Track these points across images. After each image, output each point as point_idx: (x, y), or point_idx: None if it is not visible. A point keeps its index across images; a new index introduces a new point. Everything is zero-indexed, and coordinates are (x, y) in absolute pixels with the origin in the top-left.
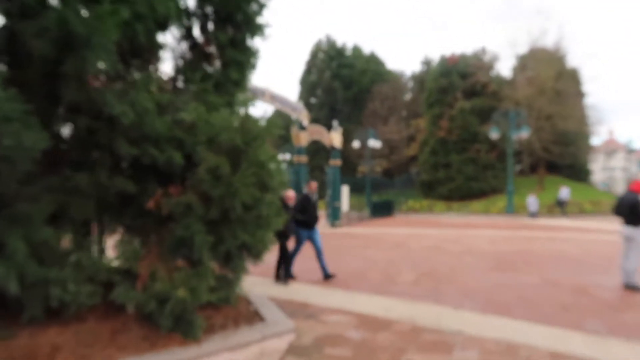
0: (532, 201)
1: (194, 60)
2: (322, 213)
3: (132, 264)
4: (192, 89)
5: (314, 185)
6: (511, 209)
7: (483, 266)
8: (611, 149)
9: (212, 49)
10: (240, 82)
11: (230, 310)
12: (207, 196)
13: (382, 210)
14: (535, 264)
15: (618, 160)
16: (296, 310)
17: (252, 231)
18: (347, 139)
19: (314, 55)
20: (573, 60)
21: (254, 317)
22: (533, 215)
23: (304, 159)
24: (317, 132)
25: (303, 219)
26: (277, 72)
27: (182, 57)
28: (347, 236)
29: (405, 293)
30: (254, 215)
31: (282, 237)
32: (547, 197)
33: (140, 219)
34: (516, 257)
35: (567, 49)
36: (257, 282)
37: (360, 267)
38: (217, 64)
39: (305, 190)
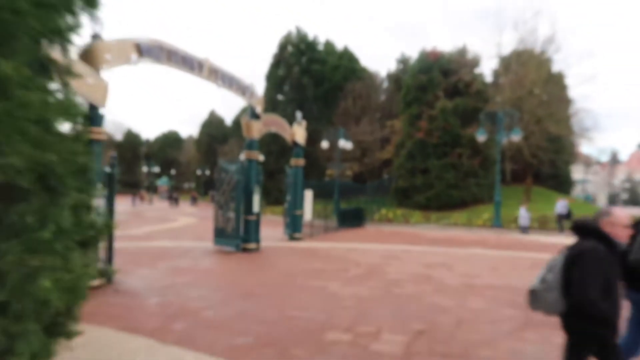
0: (524, 214)
1: None
2: (277, 221)
3: None
4: None
5: None
6: (498, 222)
7: (506, 317)
8: (584, 161)
9: None
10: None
11: None
12: None
13: (352, 219)
14: None
15: (593, 173)
16: None
17: None
18: (315, 139)
19: (283, 48)
20: (559, 63)
21: None
22: (524, 230)
23: (256, 155)
24: (275, 124)
25: None
26: (242, 66)
27: None
28: (307, 254)
29: None
30: None
31: (600, 327)
32: (533, 209)
33: None
34: None
35: (555, 52)
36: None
37: (317, 317)
38: None
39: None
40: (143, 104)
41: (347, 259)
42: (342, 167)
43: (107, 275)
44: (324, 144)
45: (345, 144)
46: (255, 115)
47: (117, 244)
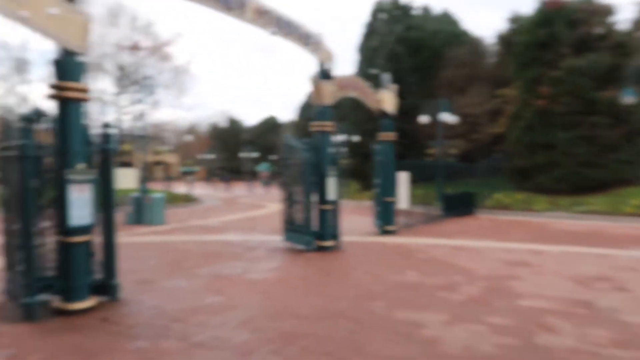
0: None
1: None
2: (366, 208)
3: None
4: None
5: None
6: None
7: None
8: None
9: None
10: None
11: None
12: None
13: (459, 206)
14: None
15: None
16: None
17: None
18: (414, 115)
19: (375, 16)
20: None
21: None
22: None
23: (329, 126)
24: (355, 87)
25: None
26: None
27: None
28: (399, 256)
29: None
30: None
31: None
32: None
33: None
34: None
35: None
36: None
37: None
38: None
39: None
40: (245, 91)
41: (454, 264)
42: (446, 144)
43: (109, 291)
44: (423, 119)
45: (448, 117)
46: (325, 75)
47: (185, 237)
